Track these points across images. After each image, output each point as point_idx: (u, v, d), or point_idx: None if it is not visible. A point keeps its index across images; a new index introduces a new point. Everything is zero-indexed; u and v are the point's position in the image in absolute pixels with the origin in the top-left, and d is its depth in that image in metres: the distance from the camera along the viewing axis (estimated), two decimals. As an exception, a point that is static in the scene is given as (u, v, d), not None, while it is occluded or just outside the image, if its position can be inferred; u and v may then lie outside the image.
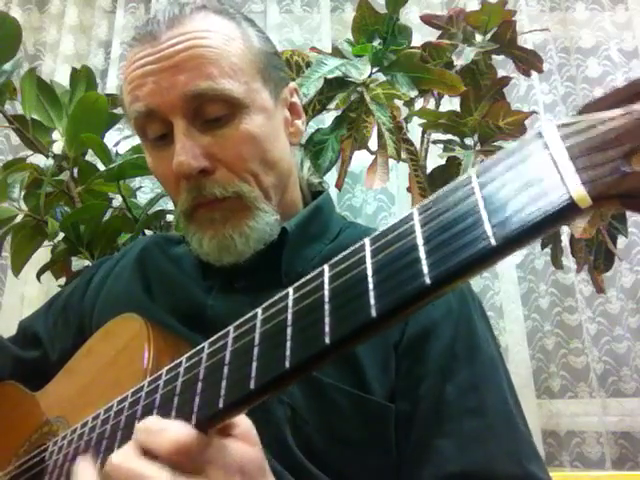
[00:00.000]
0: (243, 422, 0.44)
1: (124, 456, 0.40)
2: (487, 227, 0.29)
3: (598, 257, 1.15)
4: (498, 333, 1.61)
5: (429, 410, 0.58)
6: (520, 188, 0.29)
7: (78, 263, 1.24)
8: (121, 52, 1.85)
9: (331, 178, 1.31)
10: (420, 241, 0.32)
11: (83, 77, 1.21)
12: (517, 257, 1.70)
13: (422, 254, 0.31)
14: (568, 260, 1.53)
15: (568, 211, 0.27)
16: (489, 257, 0.29)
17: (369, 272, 0.34)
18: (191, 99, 0.61)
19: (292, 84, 0.74)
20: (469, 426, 0.57)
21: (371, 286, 0.33)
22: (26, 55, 1.87)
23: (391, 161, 1.04)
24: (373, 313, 0.32)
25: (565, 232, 1.26)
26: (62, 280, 1.23)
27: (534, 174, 0.29)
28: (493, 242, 0.29)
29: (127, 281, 0.75)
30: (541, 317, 1.65)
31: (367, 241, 0.36)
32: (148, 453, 0.40)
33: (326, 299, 0.35)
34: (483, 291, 1.68)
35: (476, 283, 1.69)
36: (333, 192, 1.19)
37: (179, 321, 0.66)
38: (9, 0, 1.93)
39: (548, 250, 1.25)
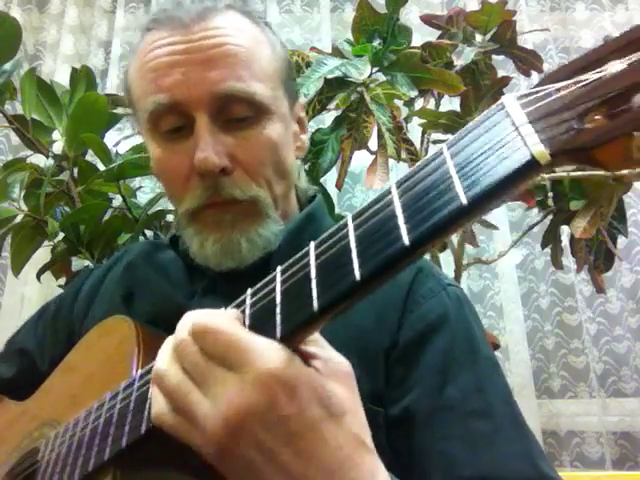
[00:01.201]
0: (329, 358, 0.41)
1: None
2: (458, 189, 0.32)
3: (598, 257, 1.15)
4: (498, 333, 1.61)
5: (432, 414, 0.57)
6: (487, 153, 0.32)
7: (78, 263, 1.24)
8: (121, 52, 1.85)
9: (331, 178, 1.31)
10: (399, 210, 0.34)
11: (83, 77, 1.21)
12: (517, 257, 1.70)
13: (401, 220, 0.34)
14: (568, 260, 1.53)
15: (529, 167, 0.30)
16: (462, 215, 0.32)
17: (353, 244, 0.36)
18: (220, 98, 0.60)
19: (302, 99, 0.75)
20: (477, 428, 0.56)
21: (355, 254, 0.35)
22: (26, 55, 1.87)
23: (391, 161, 1.04)
24: (357, 276, 0.34)
25: (565, 232, 1.26)
26: (62, 280, 1.23)
27: (498, 139, 0.32)
28: (464, 201, 0.31)
29: (112, 292, 0.74)
30: (541, 317, 1.65)
31: (349, 217, 0.38)
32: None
33: (313, 274, 0.37)
34: (483, 291, 1.68)
35: (476, 283, 1.69)
36: (333, 192, 1.19)
37: (162, 325, 0.64)
38: (9, 0, 1.93)
39: (548, 250, 1.25)
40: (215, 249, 0.62)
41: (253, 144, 0.62)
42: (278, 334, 0.38)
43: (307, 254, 0.39)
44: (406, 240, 0.33)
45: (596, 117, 0.30)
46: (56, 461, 0.55)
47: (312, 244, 0.39)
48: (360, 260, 0.35)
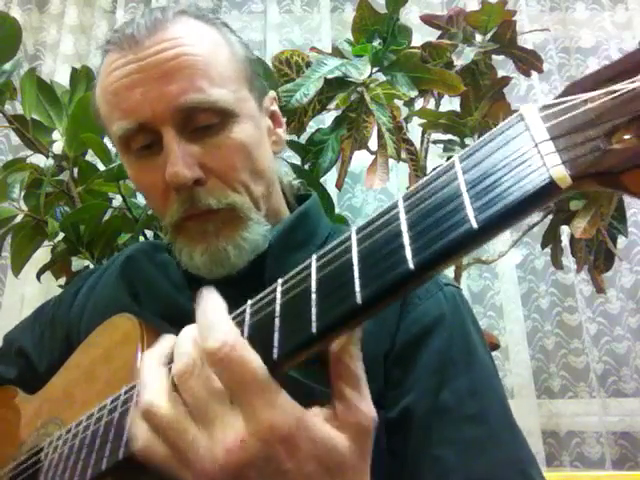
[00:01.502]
0: (348, 408, 0.38)
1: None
2: (469, 211, 0.29)
3: (598, 257, 1.15)
4: (498, 333, 1.61)
5: (427, 418, 0.56)
6: (502, 171, 0.30)
7: (78, 263, 1.24)
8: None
9: (331, 178, 1.31)
10: (404, 227, 0.32)
11: (83, 77, 1.21)
12: (517, 257, 1.70)
13: (406, 240, 0.32)
14: (568, 260, 1.53)
15: (548, 191, 0.28)
16: (471, 240, 0.29)
17: (355, 261, 0.34)
18: (182, 111, 0.59)
19: (272, 92, 0.73)
20: (470, 433, 0.55)
21: (357, 274, 0.33)
22: (26, 55, 1.87)
23: (391, 161, 1.04)
24: (358, 300, 0.32)
25: (565, 232, 1.26)
26: (62, 280, 1.23)
27: (516, 156, 0.30)
28: (475, 225, 0.29)
29: (113, 288, 0.74)
30: (541, 317, 1.65)
31: (353, 230, 0.36)
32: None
33: (313, 289, 0.36)
34: (483, 291, 1.68)
35: (476, 283, 1.69)
36: (333, 192, 1.19)
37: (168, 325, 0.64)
38: (9, 0, 1.93)
39: (548, 250, 1.25)
40: (204, 260, 0.62)
41: (222, 150, 0.61)
42: (275, 355, 0.36)
43: (309, 267, 0.37)
44: (411, 264, 0.31)
45: (625, 136, 0.26)
46: (57, 463, 0.55)
47: (314, 257, 0.38)
48: (362, 281, 0.33)
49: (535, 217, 1.26)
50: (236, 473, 0.36)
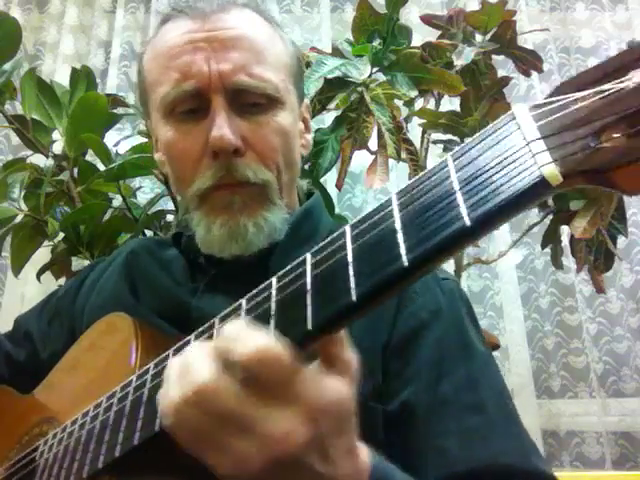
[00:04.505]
0: (346, 355, 0.38)
1: (196, 356, 0.36)
2: (462, 208, 0.30)
3: (598, 257, 1.14)
4: (498, 333, 1.61)
5: (428, 410, 0.57)
6: (494, 169, 0.30)
7: (78, 263, 1.24)
8: (121, 52, 1.85)
9: (331, 178, 1.31)
10: (398, 225, 0.33)
11: (83, 77, 1.21)
12: (517, 257, 1.70)
13: (400, 238, 0.32)
14: (568, 260, 1.52)
15: (539, 189, 0.28)
16: (464, 237, 0.30)
17: (349, 258, 0.34)
18: (236, 84, 0.62)
19: (306, 100, 0.77)
20: (470, 423, 0.56)
21: (351, 271, 0.33)
22: (26, 55, 1.87)
23: (391, 161, 1.04)
24: (353, 297, 0.33)
25: (565, 232, 1.26)
26: (62, 280, 1.23)
27: (507, 155, 0.30)
28: (467, 223, 0.29)
29: (114, 283, 0.75)
30: (541, 317, 1.65)
31: (348, 228, 0.36)
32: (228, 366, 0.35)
33: (308, 286, 0.36)
34: (483, 291, 1.68)
35: (476, 283, 1.69)
36: (333, 192, 1.19)
37: (166, 322, 0.65)
38: (9, 0, 1.93)
39: (548, 250, 1.25)
40: (222, 233, 0.63)
41: (265, 129, 0.64)
42: None
43: (304, 265, 0.37)
44: (405, 261, 0.31)
45: (614, 135, 0.27)
46: (53, 463, 0.54)
47: (309, 254, 0.38)
48: (357, 279, 0.33)
49: (535, 217, 1.26)
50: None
